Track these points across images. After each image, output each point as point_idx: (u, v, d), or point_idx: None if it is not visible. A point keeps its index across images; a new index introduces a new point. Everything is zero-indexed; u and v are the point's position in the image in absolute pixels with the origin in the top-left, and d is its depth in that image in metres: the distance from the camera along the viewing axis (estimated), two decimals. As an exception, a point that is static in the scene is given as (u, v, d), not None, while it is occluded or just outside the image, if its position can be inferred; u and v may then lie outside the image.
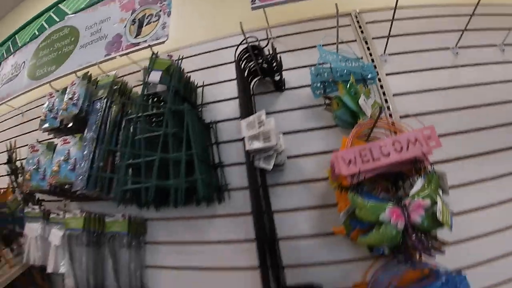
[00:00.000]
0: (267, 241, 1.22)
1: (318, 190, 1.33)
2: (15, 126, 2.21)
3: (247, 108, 1.31)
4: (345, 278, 1.23)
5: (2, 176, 1.94)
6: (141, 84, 1.52)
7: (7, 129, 2.23)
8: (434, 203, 0.95)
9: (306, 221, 1.31)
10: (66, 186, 1.42)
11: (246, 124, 1.21)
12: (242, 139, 1.21)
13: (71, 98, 1.49)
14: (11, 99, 2.01)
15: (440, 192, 1.01)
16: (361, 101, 1.24)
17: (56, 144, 1.53)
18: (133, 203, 1.36)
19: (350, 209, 1.08)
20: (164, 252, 1.46)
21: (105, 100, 1.43)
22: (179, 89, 1.35)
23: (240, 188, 1.39)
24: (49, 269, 1.46)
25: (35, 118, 2.08)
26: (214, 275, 1.37)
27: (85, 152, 1.36)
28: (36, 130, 2.02)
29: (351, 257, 1.27)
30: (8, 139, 2.20)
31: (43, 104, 2.03)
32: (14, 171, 1.65)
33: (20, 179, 1.71)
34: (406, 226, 0.94)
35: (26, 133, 2.12)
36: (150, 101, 1.39)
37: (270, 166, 1.23)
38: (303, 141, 1.38)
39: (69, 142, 1.47)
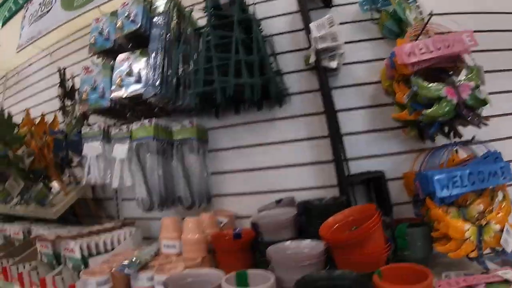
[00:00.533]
0: (337, 137, 1.31)
1: (369, 93, 1.42)
2: (43, 67, 2.10)
3: (306, 18, 1.37)
4: (396, 169, 1.34)
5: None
6: (193, 5, 1.53)
7: (35, 72, 2.11)
8: (477, 86, 1.09)
9: (361, 119, 1.40)
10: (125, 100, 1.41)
11: (316, 26, 1.27)
12: (314, 40, 1.27)
13: (127, 17, 1.45)
14: (44, 36, 1.90)
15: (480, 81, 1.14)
16: (407, 12, 1.35)
17: (113, 63, 1.49)
18: (202, 109, 1.38)
19: (411, 93, 1.18)
20: (227, 158, 1.50)
21: (166, 14, 1.41)
22: (241, 1, 1.37)
23: (297, 92, 1.44)
24: (114, 185, 1.44)
25: (64, 57, 2.01)
26: (277, 173, 1.43)
27: (154, 62, 1.35)
28: (65, 68, 1.97)
29: (400, 150, 1.38)
30: (36, 82, 2.10)
31: (73, 42, 1.97)
32: (69, 93, 1.57)
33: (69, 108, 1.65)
34: (458, 103, 1.08)
35: (55, 72, 2.04)
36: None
37: (334, 65, 1.30)
38: (353, 51, 1.44)
39: (128, 58, 1.44)
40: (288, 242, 1.07)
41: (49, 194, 1.61)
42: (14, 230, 1.73)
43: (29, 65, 2.16)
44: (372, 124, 1.40)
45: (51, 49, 2.05)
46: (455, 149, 1.24)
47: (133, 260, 1.16)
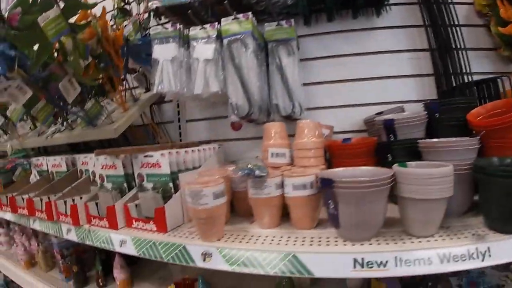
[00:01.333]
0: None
1: (461, 13, 1.28)
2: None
3: None
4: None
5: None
6: None
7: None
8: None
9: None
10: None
11: None
12: None
13: None
14: None
15: None
16: None
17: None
18: (303, 8, 1.13)
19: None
20: (318, 68, 1.28)
21: None
22: None
23: (397, 3, 1.25)
24: (197, 91, 1.13)
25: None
26: (373, 84, 1.25)
27: None
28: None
29: (490, 70, 1.27)
30: None
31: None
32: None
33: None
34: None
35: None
36: None
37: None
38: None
39: None
40: (435, 139, 0.89)
41: (103, 111, 1.24)
42: (54, 162, 1.32)
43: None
44: (468, 43, 1.27)
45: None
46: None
47: (255, 164, 0.89)
